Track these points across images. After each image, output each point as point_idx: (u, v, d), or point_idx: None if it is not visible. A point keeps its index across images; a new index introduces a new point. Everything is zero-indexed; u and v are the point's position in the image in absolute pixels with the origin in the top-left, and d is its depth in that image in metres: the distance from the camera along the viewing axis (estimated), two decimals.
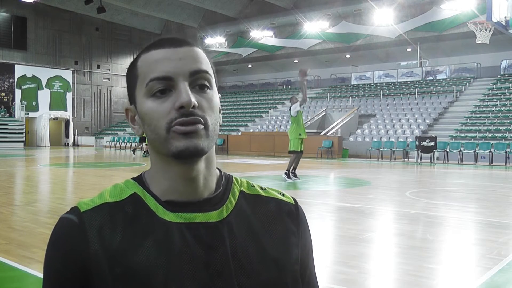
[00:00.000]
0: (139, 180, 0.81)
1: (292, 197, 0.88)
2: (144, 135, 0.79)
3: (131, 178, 0.82)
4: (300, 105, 10.32)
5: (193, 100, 0.72)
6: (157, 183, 0.78)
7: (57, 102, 34.82)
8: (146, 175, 0.81)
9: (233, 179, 0.85)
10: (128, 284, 0.71)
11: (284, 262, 0.79)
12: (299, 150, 10.23)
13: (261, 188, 0.86)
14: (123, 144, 30.60)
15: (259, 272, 0.76)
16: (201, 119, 0.73)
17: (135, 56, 0.81)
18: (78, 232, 0.73)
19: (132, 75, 0.79)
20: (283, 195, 0.87)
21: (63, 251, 0.73)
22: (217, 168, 0.84)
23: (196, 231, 0.75)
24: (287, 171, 10.43)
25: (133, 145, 23.22)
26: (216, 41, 33.93)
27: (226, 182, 0.83)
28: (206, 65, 0.77)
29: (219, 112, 0.80)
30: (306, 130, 24.83)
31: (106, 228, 0.73)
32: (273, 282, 0.77)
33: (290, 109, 10.50)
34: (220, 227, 0.76)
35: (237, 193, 0.82)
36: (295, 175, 10.53)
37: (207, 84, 0.76)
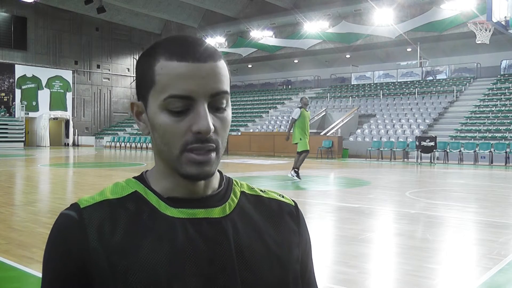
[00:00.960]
0: (141, 179, 0.81)
1: (292, 199, 0.89)
2: (151, 137, 0.78)
3: (133, 177, 0.82)
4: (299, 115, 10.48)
5: (211, 126, 0.71)
6: (160, 181, 0.78)
7: (57, 102, 34.82)
8: (147, 174, 0.81)
9: (233, 181, 0.85)
10: (130, 280, 0.70)
11: (286, 260, 0.80)
12: (307, 149, 10.54)
13: (261, 190, 0.87)
14: (123, 144, 30.60)
15: (263, 269, 0.76)
16: (214, 145, 0.73)
17: (135, 56, 0.80)
18: (77, 228, 0.73)
19: (147, 75, 0.75)
20: (283, 197, 0.88)
21: (62, 247, 0.73)
22: (218, 170, 0.84)
23: (199, 227, 0.75)
24: (296, 169, 10.54)
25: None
26: (216, 41, 33.93)
27: (227, 182, 0.83)
28: (227, 82, 0.75)
29: None
30: None
31: (107, 225, 0.73)
32: (276, 280, 0.77)
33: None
34: (223, 223, 0.76)
35: (239, 193, 0.83)
36: (298, 175, 10.62)
37: (224, 105, 0.75)
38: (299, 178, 10.56)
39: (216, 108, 0.74)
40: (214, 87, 0.72)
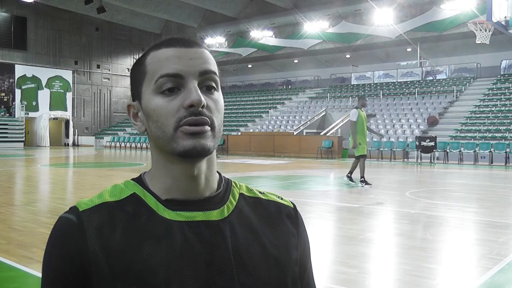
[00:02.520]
0: (139, 180, 0.81)
1: (291, 201, 0.89)
2: (148, 132, 0.79)
3: (131, 179, 0.82)
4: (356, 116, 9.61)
5: (203, 99, 0.73)
6: (158, 181, 0.78)
7: (57, 102, 34.81)
8: (146, 175, 0.82)
9: (232, 182, 0.86)
10: (128, 283, 0.70)
11: (284, 262, 0.80)
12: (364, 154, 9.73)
13: (260, 192, 0.87)
14: (123, 144, 30.60)
15: (261, 271, 0.76)
16: (209, 120, 0.74)
17: (135, 56, 0.81)
18: (76, 231, 0.73)
19: (139, 71, 0.79)
20: (282, 199, 0.88)
21: (61, 251, 0.73)
22: (217, 172, 0.84)
23: (197, 229, 0.75)
24: (362, 178, 9.60)
25: None
26: (216, 41, 33.93)
27: (226, 184, 0.83)
28: (214, 66, 0.78)
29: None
30: (306, 130, 24.66)
31: (105, 228, 0.73)
32: (274, 282, 0.77)
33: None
34: (221, 226, 0.77)
35: (237, 195, 0.83)
36: (351, 179, 9.82)
37: (214, 86, 0.77)
38: (354, 182, 9.73)
39: (206, 89, 0.76)
40: (202, 67, 0.75)
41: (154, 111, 0.75)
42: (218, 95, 0.78)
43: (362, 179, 9.61)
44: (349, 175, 9.92)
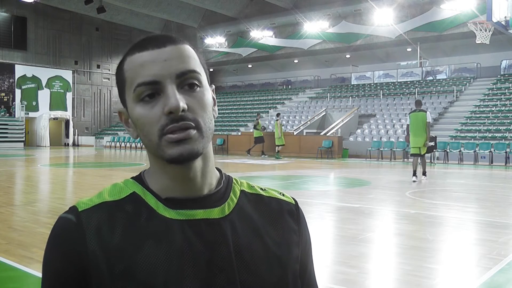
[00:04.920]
0: (139, 179, 0.81)
1: (292, 197, 0.89)
2: (139, 137, 0.78)
3: (131, 178, 0.81)
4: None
5: (182, 104, 0.71)
6: (157, 181, 0.78)
7: (57, 102, 34.80)
8: (145, 174, 0.81)
9: (233, 179, 0.85)
10: (128, 282, 0.70)
11: (286, 260, 0.80)
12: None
13: (261, 189, 0.87)
14: (123, 144, 30.60)
15: (262, 269, 0.76)
16: (192, 123, 0.72)
17: (123, 56, 0.81)
18: (76, 231, 0.73)
19: (120, 78, 0.78)
20: (283, 195, 0.88)
21: (61, 251, 0.73)
22: (217, 169, 0.84)
23: (197, 228, 0.75)
24: (424, 173, 10.84)
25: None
26: (216, 41, 33.92)
27: (226, 181, 0.83)
28: (194, 63, 0.75)
29: (214, 105, 0.79)
30: (306, 130, 24.55)
31: (105, 227, 0.73)
32: (275, 280, 0.77)
33: (427, 115, 10.81)
34: (222, 224, 0.76)
35: (238, 192, 0.82)
36: (416, 175, 10.71)
37: (197, 83, 0.75)
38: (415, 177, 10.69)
39: (188, 89, 0.74)
40: (178, 68, 0.73)
41: (138, 120, 0.75)
42: (202, 91, 0.75)
43: (425, 173, 10.85)
44: (422, 174, 10.84)
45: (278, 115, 21.86)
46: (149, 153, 0.79)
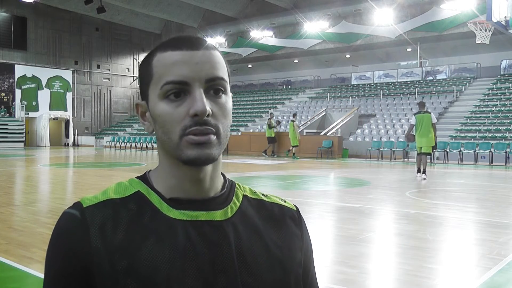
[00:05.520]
0: (144, 178, 0.81)
1: (294, 204, 0.90)
2: (155, 133, 0.79)
3: (136, 177, 0.82)
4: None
5: (208, 108, 0.72)
6: (163, 181, 0.79)
7: (57, 102, 34.80)
8: (151, 173, 0.82)
9: (236, 184, 0.86)
10: (130, 280, 0.71)
11: (288, 264, 0.80)
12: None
13: (263, 195, 0.88)
14: (123, 144, 30.60)
15: (264, 272, 0.77)
16: (214, 129, 0.73)
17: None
18: (80, 227, 0.73)
19: (146, 72, 0.78)
20: (285, 201, 0.88)
21: (65, 246, 0.73)
22: (221, 173, 0.84)
23: (200, 229, 0.75)
24: (424, 171, 11.35)
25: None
26: (216, 41, 33.91)
27: (230, 185, 0.84)
28: (223, 70, 0.76)
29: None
30: (306, 130, 24.58)
31: (109, 225, 0.74)
32: (277, 283, 0.77)
33: (431, 116, 11.21)
34: (225, 226, 0.77)
35: (241, 197, 0.83)
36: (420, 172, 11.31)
37: (222, 90, 0.76)
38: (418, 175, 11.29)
39: (213, 94, 0.75)
40: (209, 73, 0.74)
41: (160, 117, 0.75)
42: (226, 98, 0.77)
43: (420, 171, 11.35)
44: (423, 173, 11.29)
45: (294, 115, 21.46)
46: (161, 151, 0.79)
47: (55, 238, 0.75)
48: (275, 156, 21.08)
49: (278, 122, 21.96)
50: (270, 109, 30.59)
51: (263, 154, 21.45)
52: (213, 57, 0.76)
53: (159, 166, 0.81)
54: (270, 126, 21.12)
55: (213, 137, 0.73)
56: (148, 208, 0.76)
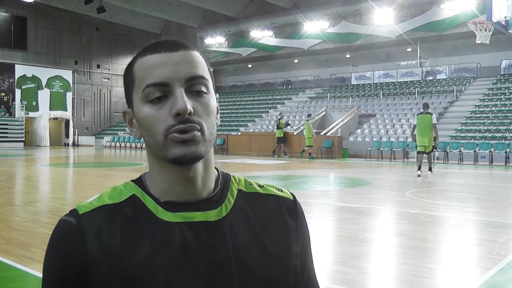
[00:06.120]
0: (139, 182, 0.81)
1: (291, 193, 0.89)
2: (142, 138, 0.79)
3: (131, 180, 0.82)
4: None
5: (189, 107, 0.72)
6: (156, 184, 0.79)
7: (57, 102, 34.80)
8: (145, 176, 0.82)
9: (231, 177, 0.85)
10: (128, 286, 0.71)
11: (285, 259, 0.80)
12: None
13: (259, 186, 0.87)
14: (123, 144, 30.60)
15: (261, 269, 0.77)
16: (197, 126, 0.74)
17: (134, 57, 0.81)
18: (76, 234, 0.74)
19: (128, 78, 0.79)
20: (281, 191, 0.88)
21: (61, 254, 0.74)
22: (215, 168, 0.84)
23: (196, 230, 0.75)
24: (430, 169, 12.24)
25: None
26: (216, 41, 33.92)
27: (223, 181, 0.83)
28: (203, 69, 0.77)
29: (217, 113, 0.81)
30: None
31: (105, 230, 0.74)
32: (274, 279, 0.77)
33: (432, 117, 11.99)
34: (220, 226, 0.77)
35: (235, 192, 0.83)
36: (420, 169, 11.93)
37: (204, 90, 0.76)
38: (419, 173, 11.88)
39: (195, 93, 0.75)
40: (189, 72, 0.75)
41: (144, 120, 0.76)
42: (209, 97, 0.77)
43: (431, 169, 12.24)
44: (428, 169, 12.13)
45: (309, 115, 21.38)
46: (149, 155, 0.80)
47: (52, 245, 0.75)
48: (287, 156, 21.02)
49: (287, 124, 21.94)
50: (270, 109, 30.61)
51: (272, 154, 21.42)
52: (192, 57, 0.76)
53: (150, 170, 0.81)
54: (278, 127, 21.10)
55: (198, 134, 0.73)
56: (143, 212, 0.76)
